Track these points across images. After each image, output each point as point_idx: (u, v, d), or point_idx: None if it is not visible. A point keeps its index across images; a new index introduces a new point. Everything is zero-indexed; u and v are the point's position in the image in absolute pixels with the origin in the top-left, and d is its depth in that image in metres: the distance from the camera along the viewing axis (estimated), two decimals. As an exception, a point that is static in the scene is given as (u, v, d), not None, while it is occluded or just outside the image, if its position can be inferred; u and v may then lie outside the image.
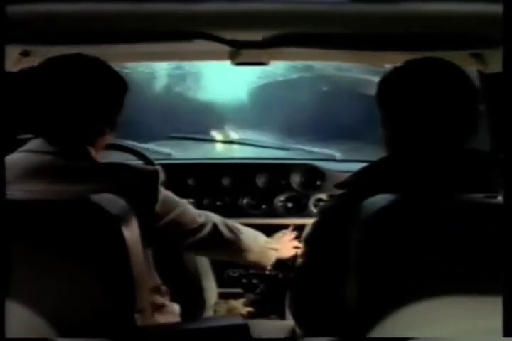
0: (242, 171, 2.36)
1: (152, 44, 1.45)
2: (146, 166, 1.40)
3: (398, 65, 1.29)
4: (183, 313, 1.61)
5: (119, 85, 1.41)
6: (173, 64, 3.24)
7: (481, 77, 1.60)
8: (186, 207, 1.46)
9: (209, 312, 2.12)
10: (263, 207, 2.34)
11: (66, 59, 1.34)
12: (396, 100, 1.24)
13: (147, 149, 2.48)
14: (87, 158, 1.36)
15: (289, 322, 1.63)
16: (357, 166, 1.30)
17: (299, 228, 2.24)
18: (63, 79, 1.33)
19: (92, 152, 1.38)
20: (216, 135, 2.99)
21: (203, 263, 2.18)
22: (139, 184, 1.31)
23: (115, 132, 1.45)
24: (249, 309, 2.12)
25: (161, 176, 1.39)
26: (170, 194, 1.43)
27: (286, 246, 1.74)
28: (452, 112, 1.21)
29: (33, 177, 1.28)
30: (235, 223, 1.58)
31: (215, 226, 1.49)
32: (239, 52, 1.51)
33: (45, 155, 1.32)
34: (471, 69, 1.57)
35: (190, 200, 2.33)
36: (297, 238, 1.91)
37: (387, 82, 1.28)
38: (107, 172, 1.33)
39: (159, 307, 1.42)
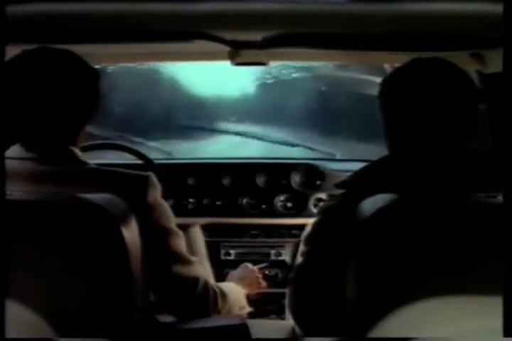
0: (242, 171, 2.36)
1: (151, 44, 1.46)
2: (136, 172, 1.27)
3: (399, 64, 1.29)
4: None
5: (89, 75, 1.27)
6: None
7: (480, 77, 1.60)
8: (181, 238, 1.32)
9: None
10: (263, 206, 2.34)
11: (28, 54, 1.23)
12: (397, 100, 1.24)
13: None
14: (71, 160, 1.25)
15: (289, 322, 1.63)
16: (357, 166, 1.31)
17: (299, 228, 2.27)
18: (28, 76, 1.21)
19: (76, 152, 1.27)
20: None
21: (202, 262, 2.18)
22: (126, 191, 1.18)
23: (93, 125, 1.33)
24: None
25: (157, 184, 1.28)
26: (168, 211, 1.30)
27: (251, 285, 1.82)
28: (452, 112, 1.21)
29: (12, 185, 1.15)
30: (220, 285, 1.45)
31: (206, 284, 1.34)
32: (238, 53, 1.51)
33: (25, 162, 1.22)
34: (471, 69, 1.57)
35: (190, 200, 2.34)
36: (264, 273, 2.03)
37: (389, 82, 1.28)
38: (94, 178, 1.24)
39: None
